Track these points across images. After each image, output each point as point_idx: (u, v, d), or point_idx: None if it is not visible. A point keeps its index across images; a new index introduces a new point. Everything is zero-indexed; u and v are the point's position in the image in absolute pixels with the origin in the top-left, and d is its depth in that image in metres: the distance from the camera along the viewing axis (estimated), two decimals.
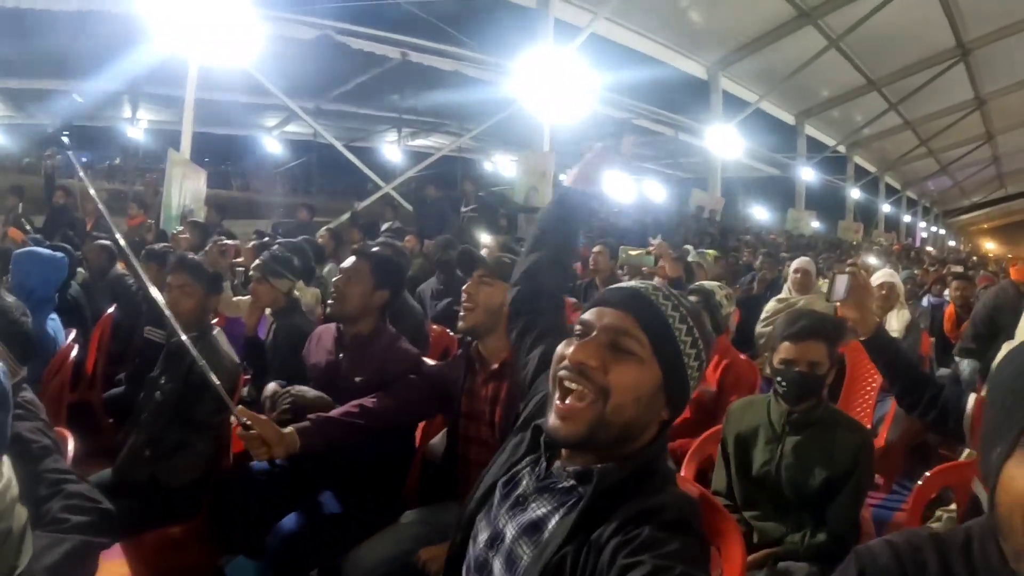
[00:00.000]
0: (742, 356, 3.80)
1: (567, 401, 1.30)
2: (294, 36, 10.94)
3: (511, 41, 12.68)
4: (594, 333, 1.33)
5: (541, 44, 12.50)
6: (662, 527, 1.18)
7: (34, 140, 15.49)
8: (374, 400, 2.57)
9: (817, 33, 14.98)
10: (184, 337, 2.04)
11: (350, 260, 2.99)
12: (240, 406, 1.98)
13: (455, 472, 2.67)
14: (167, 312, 2.08)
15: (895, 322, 5.08)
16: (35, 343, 2.46)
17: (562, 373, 1.31)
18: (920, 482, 2.62)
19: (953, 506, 2.86)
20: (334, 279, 2.98)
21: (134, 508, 2.75)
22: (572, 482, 1.33)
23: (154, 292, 2.16)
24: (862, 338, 2.51)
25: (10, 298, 2.48)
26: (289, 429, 2.16)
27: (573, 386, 1.29)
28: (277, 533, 2.61)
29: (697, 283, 3.96)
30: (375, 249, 3.02)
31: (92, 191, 2.81)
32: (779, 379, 2.58)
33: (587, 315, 1.37)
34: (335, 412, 2.48)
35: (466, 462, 2.63)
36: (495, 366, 2.61)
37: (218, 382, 2.04)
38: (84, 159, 23.78)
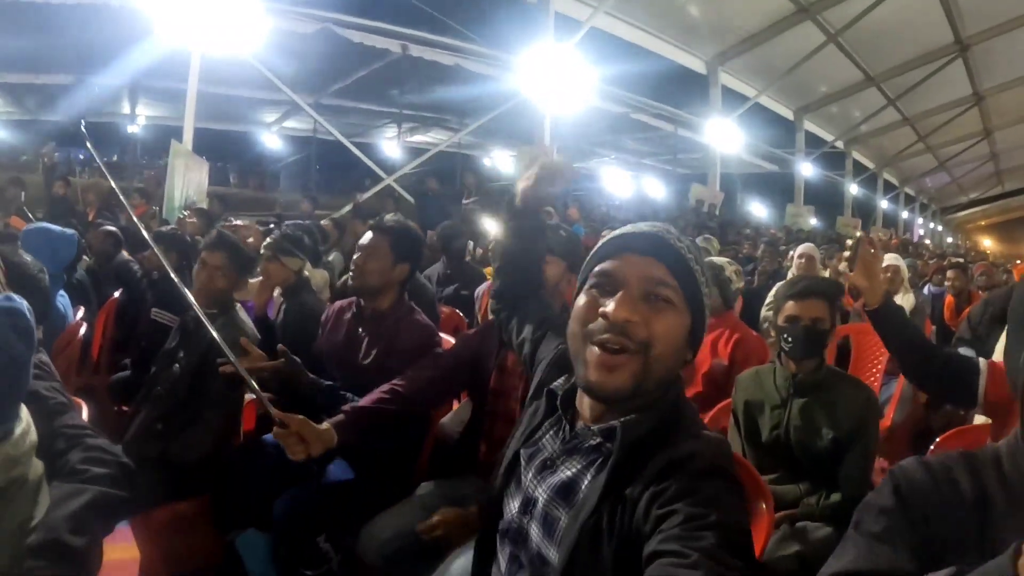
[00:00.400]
0: (752, 332, 3.81)
1: (608, 354, 1.26)
2: (294, 30, 10.92)
3: (512, 35, 12.71)
4: (629, 285, 1.29)
5: (542, 38, 12.50)
6: (694, 475, 1.18)
7: (42, 134, 15.43)
8: (402, 383, 2.52)
9: (816, 28, 14.96)
10: (202, 315, 2.02)
11: (368, 235, 2.96)
12: (275, 408, 1.96)
13: (476, 449, 2.66)
14: (183, 289, 2.05)
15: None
16: (51, 302, 2.43)
17: (603, 335, 1.27)
18: (932, 447, 2.61)
19: None
20: (355, 256, 2.95)
21: (145, 484, 2.74)
22: (599, 439, 1.32)
23: (172, 273, 2.13)
24: (870, 307, 2.51)
25: (28, 256, 2.46)
26: (325, 425, 2.13)
27: (616, 344, 1.26)
28: (282, 501, 2.61)
29: (707, 259, 3.96)
30: (392, 224, 2.98)
31: (112, 182, 2.78)
32: (784, 336, 2.67)
33: (611, 265, 1.33)
34: (366, 401, 2.43)
35: (490, 438, 2.61)
36: None
37: (241, 365, 2.01)
38: (82, 155, 23.74)
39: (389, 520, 2.38)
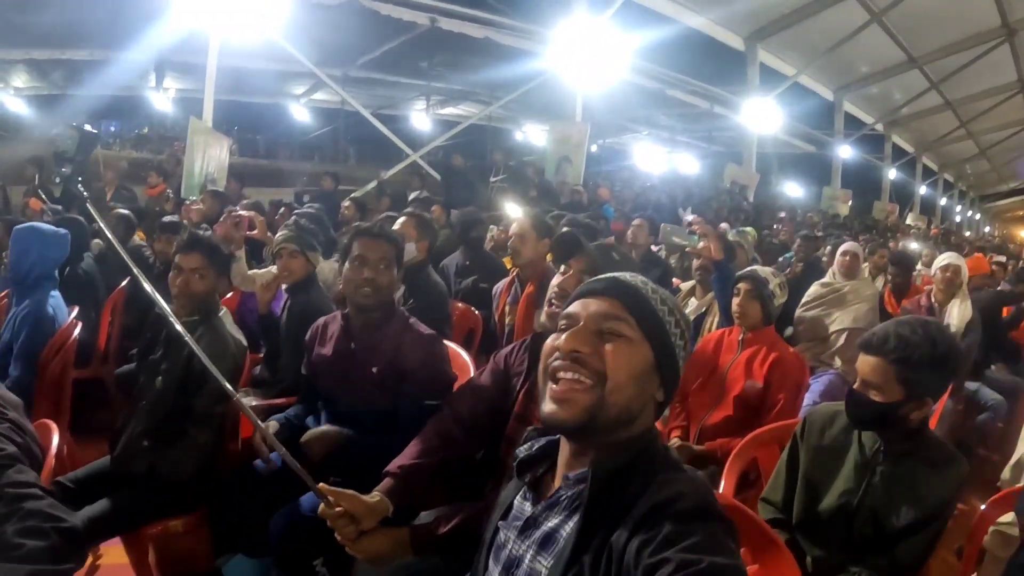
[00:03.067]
0: (791, 349, 3.50)
1: (562, 386, 1.31)
2: (320, 1, 10.79)
3: (544, 7, 12.46)
4: (582, 322, 1.35)
5: (575, 10, 12.18)
6: (682, 518, 1.16)
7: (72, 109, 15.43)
8: (438, 427, 2.32)
9: (859, 6, 14.47)
10: (181, 328, 1.79)
11: (374, 245, 2.70)
12: (322, 484, 1.75)
13: (492, 473, 2.43)
14: (161, 303, 1.82)
15: (955, 315, 4.80)
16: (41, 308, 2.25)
17: (556, 364, 1.33)
18: (983, 507, 2.36)
19: (1005, 516, 2.55)
20: (364, 272, 2.67)
21: (134, 500, 2.65)
22: (575, 488, 1.34)
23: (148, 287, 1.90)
24: None
25: None
26: (376, 496, 1.93)
27: (569, 375, 1.30)
28: (278, 521, 2.45)
29: (750, 269, 3.67)
30: (394, 228, 2.77)
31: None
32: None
33: (571, 308, 1.40)
34: (408, 458, 2.20)
35: (504, 466, 2.33)
36: None
37: (226, 382, 1.80)
38: (112, 128, 23.85)
39: None
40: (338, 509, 1.76)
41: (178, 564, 2.99)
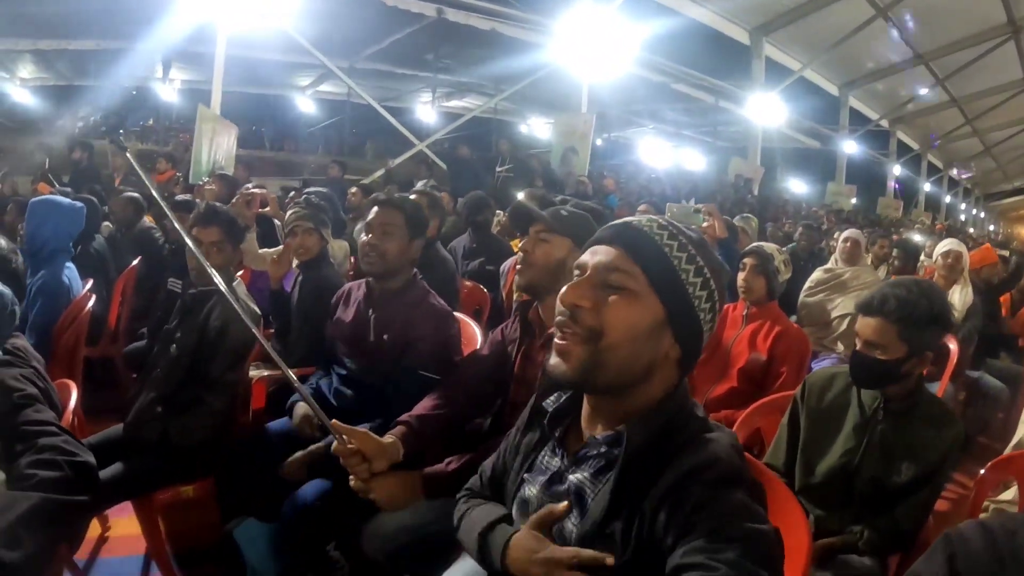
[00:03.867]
0: (794, 324, 3.60)
1: (561, 339, 1.28)
2: None
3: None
4: (588, 272, 1.30)
5: (581, 2, 12.19)
6: (713, 484, 1.15)
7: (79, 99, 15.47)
8: (454, 387, 2.40)
9: (864, 1, 14.46)
10: (223, 286, 1.87)
11: (380, 211, 2.75)
12: (334, 420, 1.79)
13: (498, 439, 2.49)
14: (205, 263, 1.91)
15: (956, 300, 4.85)
16: (23, 284, 2.35)
17: (558, 317, 1.28)
18: (983, 471, 2.37)
19: (1005, 494, 2.60)
20: (366, 236, 2.74)
21: (146, 465, 2.70)
22: (604, 448, 1.31)
23: (192, 246, 2.02)
24: None
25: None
26: (390, 438, 1.98)
27: (567, 329, 1.26)
28: (294, 500, 2.47)
29: (756, 244, 3.73)
30: (403, 197, 2.81)
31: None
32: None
33: (583, 257, 1.34)
34: (424, 409, 2.27)
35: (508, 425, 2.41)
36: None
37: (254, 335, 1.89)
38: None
39: (392, 516, 2.20)
40: (351, 447, 1.79)
41: (187, 533, 3.13)
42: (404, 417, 2.17)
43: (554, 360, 1.28)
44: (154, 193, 2.13)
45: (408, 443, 2.02)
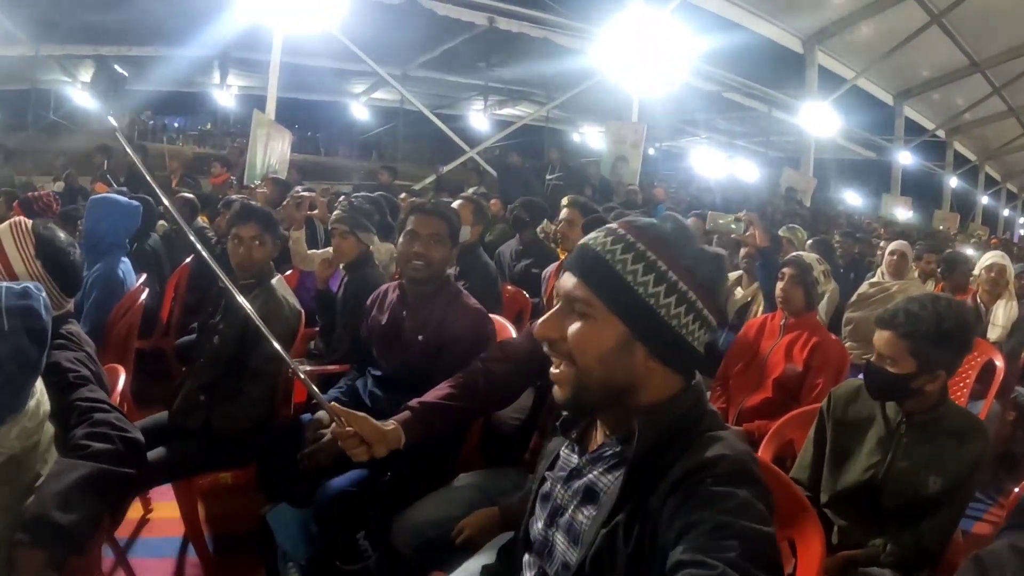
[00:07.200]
0: (832, 336, 3.56)
1: (553, 368, 1.34)
2: (380, 0, 10.95)
3: (601, 8, 12.45)
4: (557, 303, 1.35)
5: (632, 11, 12.14)
6: (720, 480, 1.16)
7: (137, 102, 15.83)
8: (472, 377, 2.34)
9: (919, 7, 14.14)
10: (225, 278, 1.89)
11: (426, 220, 2.80)
12: (334, 403, 1.84)
13: (528, 440, 2.56)
14: (208, 258, 1.90)
15: (1000, 315, 4.73)
16: (80, 276, 2.44)
17: (545, 349, 1.35)
18: (1017, 489, 2.28)
19: None
20: (414, 246, 2.78)
21: (188, 451, 2.82)
22: (619, 447, 1.35)
23: (194, 239, 2.03)
24: None
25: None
26: (391, 424, 1.97)
27: (553, 359, 1.33)
28: (327, 489, 2.52)
29: (795, 254, 3.72)
30: (447, 207, 2.89)
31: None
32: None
33: (559, 282, 1.37)
34: (433, 396, 2.25)
35: (545, 432, 2.44)
36: None
37: (276, 344, 1.89)
38: (176, 123, 24.49)
39: (422, 510, 2.28)
40: (348, 429, 1.81)
41: (225, 518, 3.31)
42: (413, 402, 2.16)
43: (554, 388, 1.34)
44: (155, 188, 2.21)
45: (410, 429, 2.01)
